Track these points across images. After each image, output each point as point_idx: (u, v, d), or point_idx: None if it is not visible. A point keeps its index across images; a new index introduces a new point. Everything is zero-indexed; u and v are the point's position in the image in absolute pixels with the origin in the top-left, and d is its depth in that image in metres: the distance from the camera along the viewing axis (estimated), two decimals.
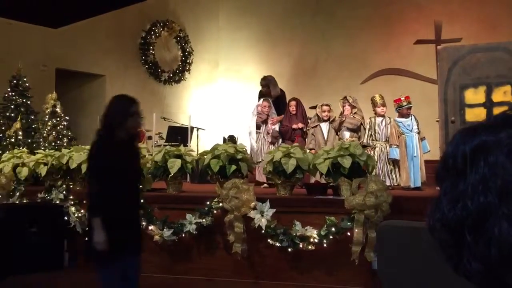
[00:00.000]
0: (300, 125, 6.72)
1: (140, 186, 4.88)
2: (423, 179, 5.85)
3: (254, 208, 4.26)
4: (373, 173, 4.76)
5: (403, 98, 6.12)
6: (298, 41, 11.32)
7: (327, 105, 6.56)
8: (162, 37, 11.33)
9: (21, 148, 6.98)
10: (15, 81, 8.24)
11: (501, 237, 0.61)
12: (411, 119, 6.01)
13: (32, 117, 8.29)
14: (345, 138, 6.18)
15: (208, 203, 4.47)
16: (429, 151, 5.97)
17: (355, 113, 6.34)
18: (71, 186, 5.60)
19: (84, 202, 5.28)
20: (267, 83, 7.37)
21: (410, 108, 6.04)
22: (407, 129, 5.98)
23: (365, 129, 6.24)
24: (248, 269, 4.42)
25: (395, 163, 6.06)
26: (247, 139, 7.00)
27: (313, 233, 4.11)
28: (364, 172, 4.46)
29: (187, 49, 11.81)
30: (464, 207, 0.64)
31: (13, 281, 4.70)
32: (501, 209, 0.62)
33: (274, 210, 4.22)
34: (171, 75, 11.49)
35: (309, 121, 6.87)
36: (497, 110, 4.15)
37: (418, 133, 5.97)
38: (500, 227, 0.61)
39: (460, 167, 0.66)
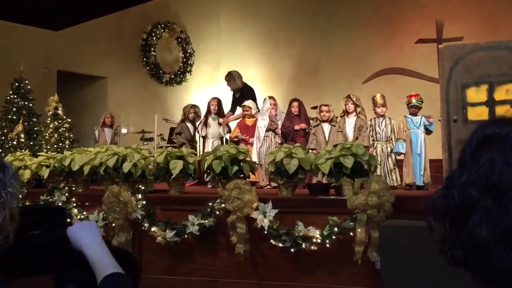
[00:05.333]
0: (303, 125, 6.71)
1: (143, 188, 4.90)
2: (427, 179, 5.84)
3: (257, 209, 4.25)
4: (376, 173, 4.76)
5: (407, 97, 6.12)
6: (299, 41, 11.31)
7: (325, 105, 6.54)
8: (163, 39, 11.34)
9: (23, 150, 6.98)
10: (16, 84, 8.26)
11: (471, 230, 0.64)
12: (421, 117, 6.01)
13: (34, 119, 8.31)
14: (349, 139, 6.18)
15: (210, 204, 4.46)
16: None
17: (359, 112, 6.34)
18: (74, 188, 5.60)
19: (87, 204, 5.29)
20: (229, 77, 7.78)
21: (415, 107, 6.03)
22: (415, 125, 5.98)
23: (367, 129, 6.24)
24: (251, 270, 4.41)
25: (395, 163, 6.07)
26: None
27: (315, 233, 4.10)
28: (367, 172, 4.45)
29: (188, 51, 11.82)
30: (452, 196, 0.67)
31: (16, 284, 4.70)
32: (480, 204, 0.64)
33: (277, 210, 4.22)
34: (173, 76, 11.50)
35: (311, 121, 6.87)
36: (499, 109, 4.13)
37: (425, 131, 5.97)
38: (473, 220, 0.64)
39: (466, 158, 0.68)
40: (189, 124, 7.49)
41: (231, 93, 7.98)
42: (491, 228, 0.62)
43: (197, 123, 7.45)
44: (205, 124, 7.34)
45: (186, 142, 7.30)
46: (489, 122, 0.70)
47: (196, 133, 7.47)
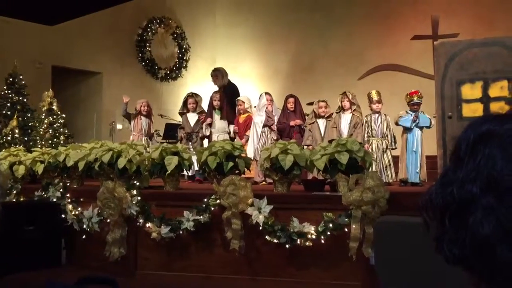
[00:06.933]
0: (298, 121, 6.71)
1: (138, 184, 4.89)
2: (423, 176, 5.87)
3: (252, 205, 4.26)
4: (371, 169, 4.77)
5: (408, 94, 6.12)
6: (295, 37, 11.30)
7: (323, 101, 6.56)
8: (158, 34, 11.31)
9: (17, 146, 6.96)
10: (11, 79, 8.23)
11: (473, 227, 0.63)
12: (421, 114, 6.02)
13: (29, 115, 8.28)
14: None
15: (205, 200, 4.46)
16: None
17: (354, 109, 6.35)
18: (68, 184, 5.60)
19: (82, 199, 5.28)
20: (216, 73, 7.75)
21: (417, 104, 6.05)
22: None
23: (362, 125, 6.25)
24: (245, 266, 4.42)
25: (391, 159, 6.08)
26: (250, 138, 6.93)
27: (310, 229, 4.11)
28: (362, 168, 4.46)
29: (184, 46, 11.79)
30: (451, 193, 0.66)
31: (10, 279, 4.69)
32: (480, 201, 0.63)
33: (272, 206, 4.22)
34: (168, 72, 11.47)
35: (306, 117, 6.87)
36: (493, 105, 4.15)
37: (421, 129, 5.99)
38: (475, 217, 0.63)
39: (462, 154, 0.68)
40: (190, 115, 7.19)
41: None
42: (494, 226, 0.62)
43: (202, 119, 7.12)
44: (210, 124, 7.02)
45: (182, 137, 7.12)
46: (484, 119, 0.70)
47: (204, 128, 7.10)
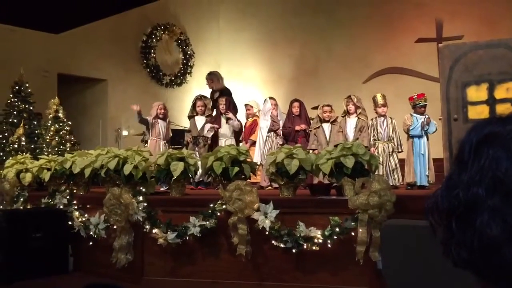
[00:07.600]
0: (303, 126, 6.71)
1: (144, 190, 4.90)
2: (432, 179, 5.85)
3: (258, 210, 4.25)
4: (377, 173, 4.75)
5: (415, 96, 6.11)
6: (299, 41, 11.31)
7: (328, 105, 6.56)
8: (163, 41, 11.35)
9: (24, 153, 6.99)
10: (17, 87, 8.27)
11: (481, 229, 0.63)
12: (426, 117, 6.00)
13: (35, 122, 8.31)
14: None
15: (211, 205, 4.46)
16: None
17: (359, 113, 6.34)
18: (75, 191, 5.61)
19: (88, 206, 5.30)
20: (212, 77, 7.76)
21: (424, 106, 6.04)
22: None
23: (368, 128, 6.24)
24: (252, 271, 4.41)
25: (397, 163, 6.06)
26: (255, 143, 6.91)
27: (317, 233, 4.10)
28: (368, 172, 4.45)
29: (188, 52, 11.82)
30: (456, 196, 0.66)
31: (18, 286, 4.71)
32: (487, 203, 0.63)
33: (278, 211, 4.22)
34: (173, 78, 11.50)
35: (311, 122, 6.87)
36: (499, 107, 4.13)
37: (426, 132, 5.97)
38: (482, 219, 0.63)
39: (466, 157, 0.68)
40: (198, 118, 7.04)
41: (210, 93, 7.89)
42: (501, 227, 0.62)
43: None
44: (215, 128, 6.90)
45: (188, 141, 7.04)
46: (486, 121, 0.70)
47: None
